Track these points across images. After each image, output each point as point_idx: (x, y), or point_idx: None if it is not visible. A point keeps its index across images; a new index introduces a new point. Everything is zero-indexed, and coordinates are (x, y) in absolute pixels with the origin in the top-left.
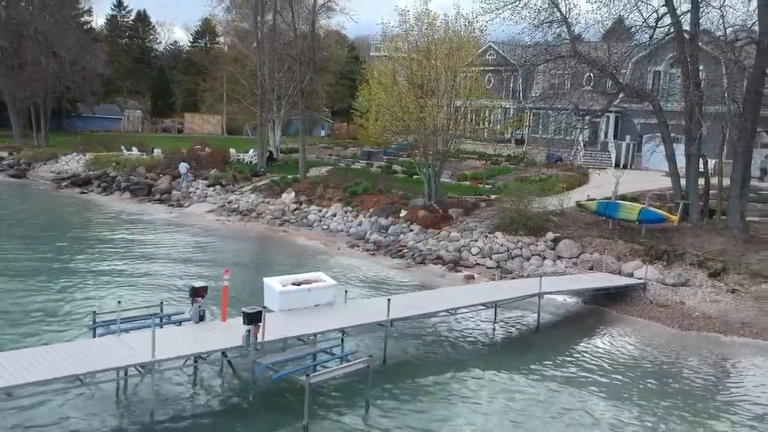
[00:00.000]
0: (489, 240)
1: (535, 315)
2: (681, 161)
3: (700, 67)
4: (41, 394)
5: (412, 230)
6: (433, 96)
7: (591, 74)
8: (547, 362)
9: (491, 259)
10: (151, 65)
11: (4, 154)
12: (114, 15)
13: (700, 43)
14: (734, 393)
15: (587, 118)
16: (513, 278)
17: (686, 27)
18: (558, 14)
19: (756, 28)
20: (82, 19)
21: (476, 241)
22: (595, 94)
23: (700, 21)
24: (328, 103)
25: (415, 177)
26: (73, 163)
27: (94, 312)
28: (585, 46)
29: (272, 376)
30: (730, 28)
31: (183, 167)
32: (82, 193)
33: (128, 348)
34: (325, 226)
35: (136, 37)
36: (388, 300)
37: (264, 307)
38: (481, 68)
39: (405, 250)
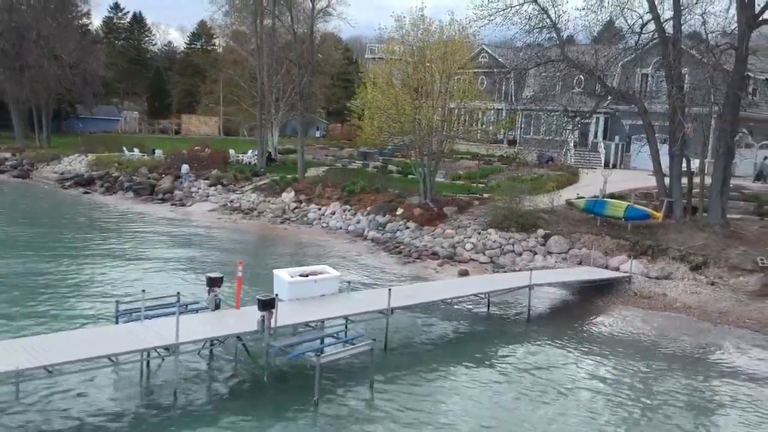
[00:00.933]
0: (482, 236)
1: (526, 306)
2: (666, 161)
3: (685, 70)
4: (74, 373)
5: (408, 227)
6: (428, 98)
7: (581, 77)
8: (536, 348)
9: (484, 254)
10: (147, 66)
11: (7, 155)
12: (110, 17)
13: (684, 47)
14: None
15: (577, 119)
16: (505, 272)
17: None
18: (548, 20)
19: (736, 33)
20: (80, 22)
21: (470, 237)
22: (585, 96)
23: (685, 27)
24: (324, 104)
25: (410, 176)
26: (76, 163)
27: (117, 302)
28: (574, 50)
29: (286, 356)
30: (712, 34)
31: (184, 168)
32: (86, 192)
33: (152, 332)
34: (324, 224)
35: (132, 39)
36: (389, 290)
37: (276, 296)
38: (474, 70)
39: (402, 247)
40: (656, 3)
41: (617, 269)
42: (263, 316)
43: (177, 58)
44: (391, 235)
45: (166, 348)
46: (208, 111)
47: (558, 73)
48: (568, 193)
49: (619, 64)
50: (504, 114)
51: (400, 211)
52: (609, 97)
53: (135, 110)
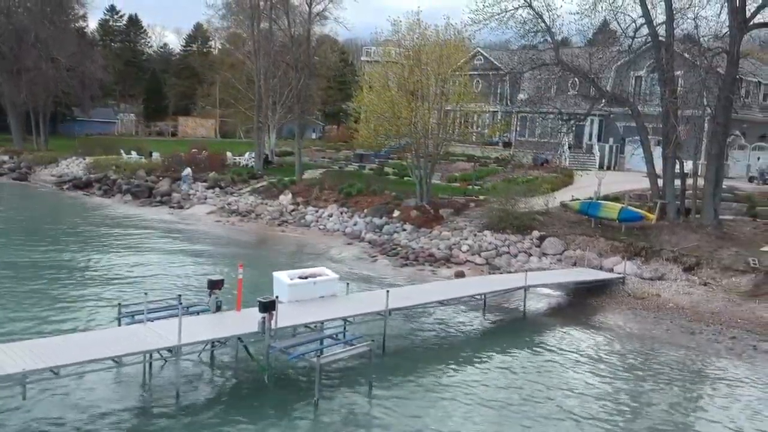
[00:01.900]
0: (478, 238)
1: (522, 306)
2: (660, 163)
3: (679, 73)
4: (79, 374)
5: (405, 229)
6: (425, 101)
7: (575, 79)
8: (532, 347)
9: (480, 256)
10: (144, 69)
11: (5, 157)
12: (106, 19)
13: (677, 50)
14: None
15: (571, 122)
16: (501, 273)
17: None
18: (542, 24)
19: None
20: (77, 25)
21: (466, 239)
22: (579, 98)
23: (677, 31)
24: (320, 106)
25: (406, 178)
26: (73, 166)
27: (119, 304)
28: (569, 53)
29: (287, 357)
30: (704, 38)
31: (186, 172)
32: (84, 195)
33: (155, 334)
34: (322, 226)
35: (128, 41)
36: (387, 292)
37: (276, 298)
38: (470, 73)
39: (399, 248)
40: (649, 7)
41: (611, 270)
42: (264, 318)
43: (173, 60)
44: (388, 237)
45: (169, 349)
46: (205, 113)
47: (553, 77)
48: (562, 195)
49: (613, 68)
50: (499, 116)
51: (396, 213)
52: (603, 100)
53: (131, 113)
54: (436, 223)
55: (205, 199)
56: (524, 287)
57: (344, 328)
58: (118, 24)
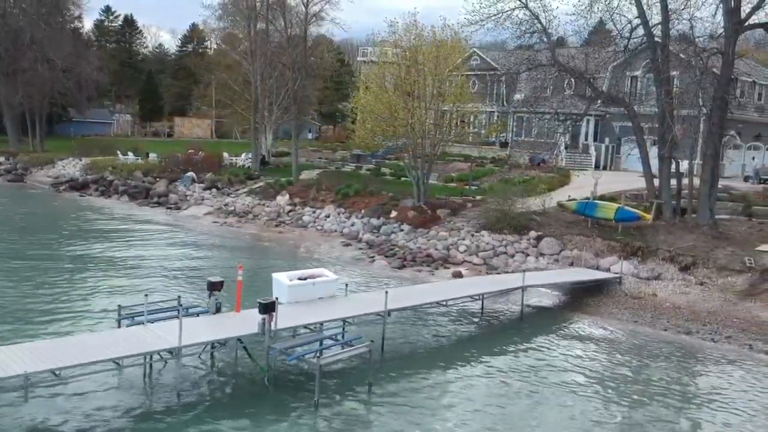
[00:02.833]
0: (475, 238)
1: (519, 306)
2: (656, 163)
3: (674, 73)
4: (80, 376)
5: (402, 230)
6: (421, 101)
7: (571, 80)
8: (530, 348)
9: (478, 256)
10: (139, 69)
11: (1, 159)
12: (102, 20)
13: (672, 50)
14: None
15: (568, 122)
16: (498, 273)
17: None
18: (539, 25)
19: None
20: (72, 25)
21: (463, 239)
22: (575, 98)
23: (673, 31)
24: (317, 106)
25: (403, 179)
26: (70, 167)
27: (119, 305)
28: (565, 53)
29: (287, 358)
30: (699, 38)
31: (189, 175)
32: (81, 196)
33: (156, 336)
34: (319, 227)
35: (124, 42)
36: (386, 292)
37: (276, 299)
38: (466, 73)
39: (397, 249)
40: (645, 8)
41: (608, 270)
42: (264, 319)
43: (169, 61)
44: (385, 237)
45: (169, 351)
46: (201, 114)
47: (549, 77)
48: (559, 195)
49: (609, 68)
50: (496, 116)
51: (394, 213)
52: (599, 100)
53: (127, 113)
54: (434, 223)
55: (203, 199)
56: (522, 287)
57: (343, 329)
58: (113, 24)
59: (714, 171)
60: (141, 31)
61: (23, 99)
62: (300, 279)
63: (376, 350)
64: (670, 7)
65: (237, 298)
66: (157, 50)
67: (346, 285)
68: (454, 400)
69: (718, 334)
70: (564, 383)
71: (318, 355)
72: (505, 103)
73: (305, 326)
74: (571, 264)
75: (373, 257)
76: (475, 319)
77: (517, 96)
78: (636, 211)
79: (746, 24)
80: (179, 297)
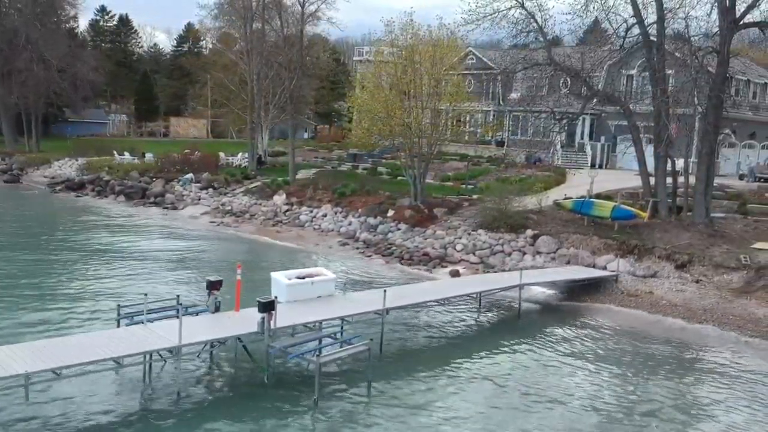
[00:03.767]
0: (472, 237)
1: (517, 304)
2: (652, 161)
3: (670, 72)
4: (81, 375)
5: (399, 229)
6: (418, 100)
7: (567, 78)
8: (527, 345)
9: (475, 255)
10: (135, 69)
11: None
12: (97, 20)
13: (668, 49)
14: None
15: (564, 121)
16: (495, 272)
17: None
18: (534, 24)
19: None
20: (67, 25)
21: (460, 238)
22: (571, 97)
23: (668, 30)
24: (313, 106)
25: (399, 178)
26: (66, 167)
27: (119, 305)
28: (561, 52)
29: (286, 357)
30: (695, 37)
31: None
32: (77, 197)
33: (155, 335)
34: (316, 226)
35: (119, 42)
36: (384, 291)
37: (275, 298)
38: (462, 72)
39: (394, 248)
40: (641, 7)
41: (604, 268)
42: (263, 318)
43: (164, 60)
44: (382, 236)
45: (169, 350)
46: (196, 113)
47: (545, 76)
48: (555, 194)
49: (605, 67)
50: (492, 116)
51: (391, 212)
52: (595, 99)
53: (123, 113)
54: (431, 222)
55: (199, 199)
56: (519, 285)
57: (341, 328)
58: (108, 24)
59: (709, 169)
60: (136, 30)
61: (19, 99)
62: (299, 278)
63: (375, 349)
64: (665, 6)
65: (236, 298)
66: (152, 50)
67: (345, 284)
68: (452, 398)
69: (714, 331)
70: (561, 381)
71: (317, 353)
72: (501, 102)
73: (304, 325)
74: (568, 262)
75: (370, 256)
76: (473, 318)
77: (513, 95)
78: (632, 209)
79: (741, 23)
80: (178, 296)
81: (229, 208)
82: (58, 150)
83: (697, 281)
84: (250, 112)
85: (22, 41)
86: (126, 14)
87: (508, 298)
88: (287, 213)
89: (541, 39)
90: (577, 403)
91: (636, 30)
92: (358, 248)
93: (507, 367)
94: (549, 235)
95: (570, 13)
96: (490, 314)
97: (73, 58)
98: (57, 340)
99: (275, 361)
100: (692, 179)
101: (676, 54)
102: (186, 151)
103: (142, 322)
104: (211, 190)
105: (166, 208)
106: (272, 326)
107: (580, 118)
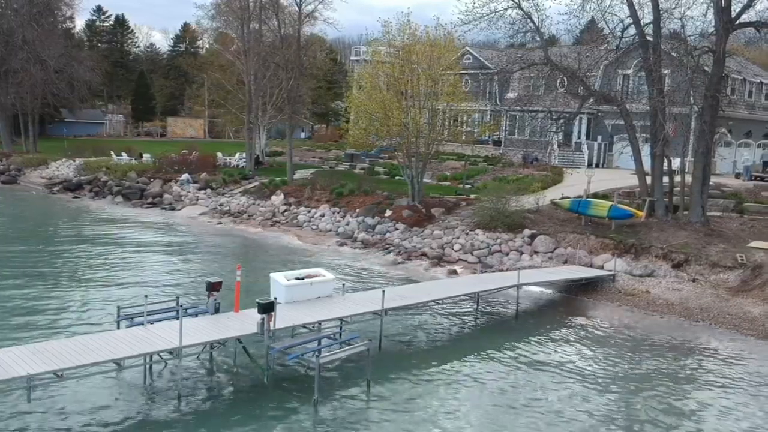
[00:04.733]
0: (470, 237)
1: (514, 304)
2: (648, 161)
3: (666, 72)
4: (82, 377)
5: (397, 229)
6: (415, 100)
7: (564, 78)
8: (525, 344)
9: (472, 254)
10: (131, 69)
11: None
12: (93, 20)
13: (664, 49)
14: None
15: (561, 120)
16: (493, 272)
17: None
18: (531, 25)
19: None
20: (64, 26)
21: (458, 238)
22: (568, 96)
23: (664, 30)
24: (310, 106)
25: (397, 178)
26: (63, 168)
27: (118, 307)
28: (557, 52)
29: (287, 357)
30: (691, 37)
31: (185, 177)
32: (75, 197)
33: (156, 336)
34: (314, 226)
35: (115, 42)
36: (382, 291)
37: (274, 299)
38: (459, 72)
39: (392, 248)
40: (636, 8)
41: (602, 267)
42: (263, 319)
43: (161, 61)
44: (380, 236)
45: (169, 351)
46: (193, 113)
47: (542, 75)
48: (552, 193)
49: (601, 66)
50: (489, 115)
51: (388, 212)
52: (592, 99)
53: (119, 114)
54: (428, 222)
55: (197, 200)
56: (516, 285)
57: (340, 328)
58: (104, 24)
59: (705, 168)
60: (132, 30)
61: (16, 100)
62: (297, 279)
63: (374, 349)
64: (661, 6)
65: (236, 299)
66: (148, 50)
67: (343, 285)
68: (451, 397)
69: (710, 329)
70: (559, 380)
71: (317, 354)
72: (498, 101)
73: (303, 326)
74: (565, 262)
75: (368, 256)
76: (471, 317)
77: (510, 94)
78: (629, 208)
79: (737, 22)
80: (178, 298)
81: (228, 208)
82: (55, 151)
83: (694, 280)
84: (248, 112)
85: (18, 42)
86: (122, 14)
87: (506, 297)
88: (285, 213)
89: (538, 39)
90: (575, 402)
91: (632, 30)
92: (356, 248)
93: (505, 366)
94: (546, 235)
95: (566, 13)
96: (487, 314)
97: (70, 58)
98: (58, 342)
99: (275, 361)
100: (689, 178)
101: (672, 54)
102: (184, 151)
103: (142, 324)
104: (209, 190)
105: (165, 208)
106: (272, 327)
107: (577, 117)
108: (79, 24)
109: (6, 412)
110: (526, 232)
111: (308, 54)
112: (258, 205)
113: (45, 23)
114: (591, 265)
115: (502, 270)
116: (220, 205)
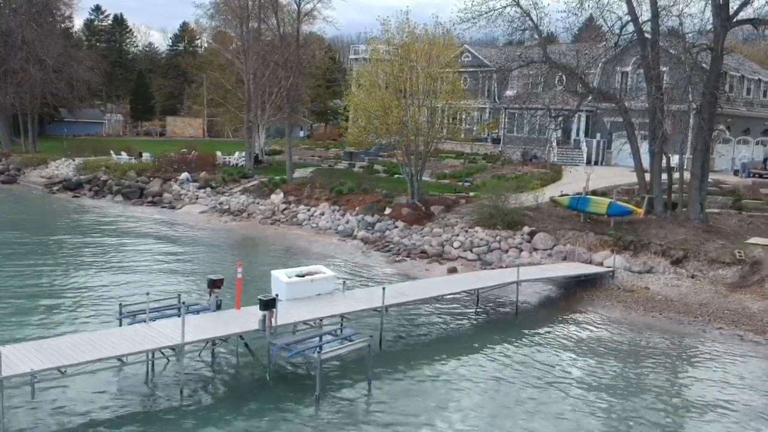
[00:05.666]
0: (469, 234)
1: (514, 301)
2: (647, 158)
3: (665, 69)
4: (85, 374)
5: (397, 227)
6: (414, 99)
7: (562, 76)
8: (524, 341)
9: (472, 252)
10: (130, 69)
11: None
12: (92, 19)
13: (662, 46)
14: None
15: (559, 118)
16: (493, 269)
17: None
18: (530, 22)
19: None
20: (63, 26)
21: (457, 235)
22: (567, 94)
23: (663, 27)
24: (309, 105)
25: (396, 176)
26: (63, 167)
27: (120, 304)
28: (556, 50)
29: (288, 354)
30: (689, 34)
31: (184, 176)
32: (75, 197)
33: (158, 333)
34: (314, 225)
35: (114, 41)
36: (383, 288)
37: (276, 296)
38: (458, 71)
39: (392, 246)
40: (635, 5)
41: (601, 264)
42: (264, 316)
43: (160, 60)
44: (380, 234)
45: (172, 348)
46: (193, 113)
47: (540, 73)
48: (551, 191)
49: (600, 64)
50: (488, 113)
51: (388, 210)
52: (590, 96)
53: (119, 113)
54: (428, 220)
55: (197, 198)
56: (516, 282)
57: (341, 325)
58: (103, 24)
59: (704, 165)
60: (131, 30)
61: (15, 100)
62: (298, 276)
63: (375, 345)
64: (659, 3)
65: (237, 296)
66: (147, 49)
67: (344, 282)
68: (452, 393)
69: (709, 325)
70: (559, 377)
71: (318, 350)
72: (497, 99)
73: (304, 323)
74: (565, 258)
75: (368, 254)
76: (471, 314)
77: (509, 92)
78: (628, 205)
79: (735, 20)
80: (179, 295)
81: (227, 207)
82: (55, 150)
83: (693, 276)
84: (247, 111)
85: (17, 42)
86: (121, 14)
87: (506, 294)
88: (285, 212)
89: (537, 37)
90: (575, 399)
91: (630, 27)
92: (356, 246)
93: (505, 363)
94: (545, 232)
95: (565, 11)
96: (487, 311)
97: (69, 58)
98: (61, 339)
99: (277, 358)
100: (687, 175)
101: (671, 51)
102: (183, 150)
103: (145, 321)
104: (208, 189)
105: (164, 207)
106: (273, 324)
107: (576, 115)
108: (78, 24)
109: (11, 408)
110: (526, 229)
111: (307, 53)
112: (257, 203)
113: (44, 23)
114: (590, 262)
115: (501, 267)
116: (220, 203)
